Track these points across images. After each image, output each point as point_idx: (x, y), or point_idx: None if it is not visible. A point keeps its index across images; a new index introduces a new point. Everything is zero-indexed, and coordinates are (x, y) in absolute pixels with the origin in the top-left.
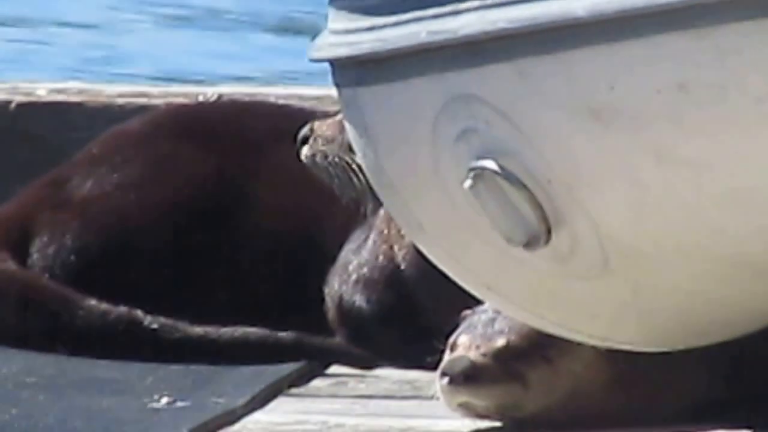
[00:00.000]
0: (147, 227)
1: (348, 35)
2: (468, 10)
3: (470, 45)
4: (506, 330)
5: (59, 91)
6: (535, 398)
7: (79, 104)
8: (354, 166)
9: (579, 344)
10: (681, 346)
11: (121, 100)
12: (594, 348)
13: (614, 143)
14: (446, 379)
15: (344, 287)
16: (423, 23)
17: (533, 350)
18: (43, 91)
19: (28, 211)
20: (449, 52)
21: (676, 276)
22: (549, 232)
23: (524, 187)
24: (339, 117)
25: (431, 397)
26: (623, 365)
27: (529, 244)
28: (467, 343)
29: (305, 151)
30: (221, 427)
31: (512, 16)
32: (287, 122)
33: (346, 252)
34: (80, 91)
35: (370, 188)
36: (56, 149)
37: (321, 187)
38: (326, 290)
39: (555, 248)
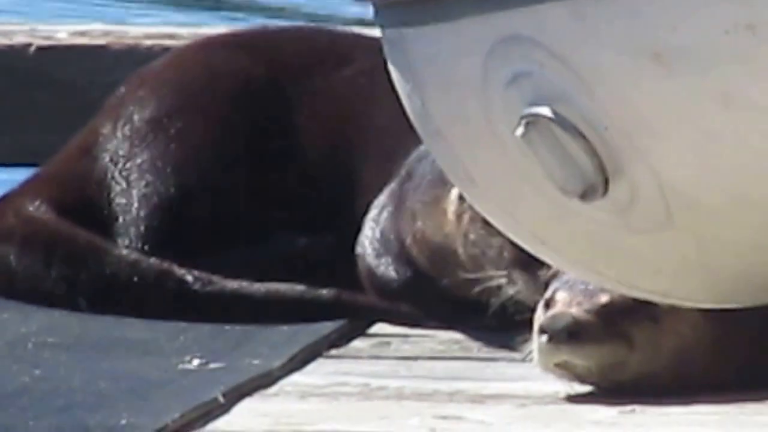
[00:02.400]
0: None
1: None
2: None
3: None
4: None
5: (81, 34)
6: (639, 360)
7: (102, 47)
8: None
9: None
10: (748, 303)
11: (147, 42)
12: (701, 310)
13: (677, 87)
14: (545, 337)
15: (370, 253)
16: None
17: (639, 308)
18: (64, 33)
19: (75, 165)
20: None
21: (742, 229)
22: (606, 182)
23: (580, 134)
24: None
25: (482, 359)
26: (728, 327)
27: (586, 195)
28: (567, 299)
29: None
30: (257, 389)
31: None
32: (329, 45)
33: (371, 216)
34: (104, 33)
35: None
36: (80, 95)
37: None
38: (357, 250)
39: (613, 199)
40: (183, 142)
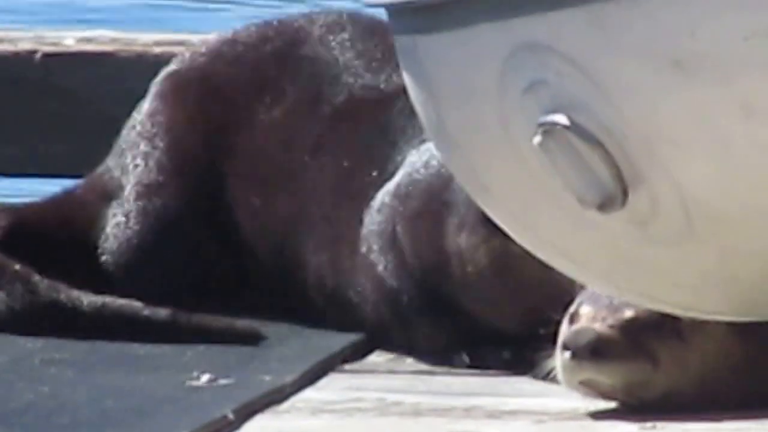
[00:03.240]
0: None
1: None
2: None
3: None
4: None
5: (88, 40)
6: (665, 377)
7: (110, 54)
8: None
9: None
10: None
11: (157, 49)
12: (727, 325)
13: (697, 95)
14: (569, 353)
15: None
16: None
17: (664, 324)
18: (71, 40)
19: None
20: None
21: (764, 240)
22: (626, 192)
23: (598, 143)
24: None
25: (499, 374)
26: (756, 344)
27: (604, 205)
28: (591, 314)
29: None
30: (268, 405)
31: None
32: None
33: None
34: (112, 40)
35: None
36: (86, 103)
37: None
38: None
39: (633, 210)
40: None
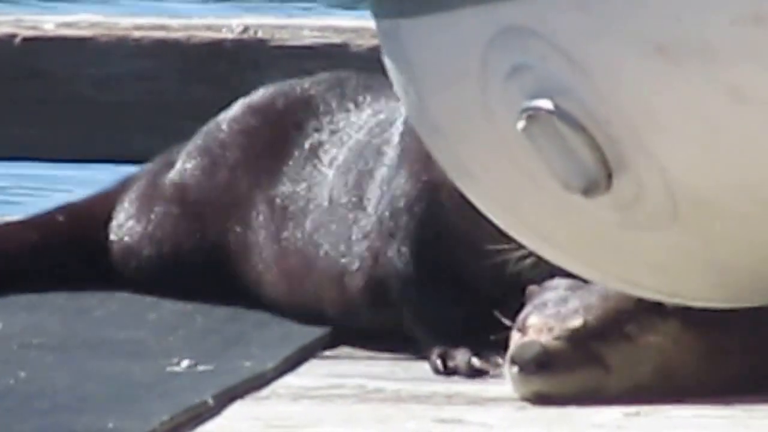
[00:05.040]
0: None
1: None
2: None
3: None
4: (581, 308)
5: (68, 25)
6: (618, 381)
7: (90, 38)
8: None
9: (663, 318)
10: (759, 303)
11: (137, 33)
12: (680, 320)
13: (683, 80)
14: (516, 368)
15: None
16: None
17: (612, 328)
18: (50, 24)
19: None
20: None
21: (750, 226)
22: (610, 177)
23: (583, 128)
24: None
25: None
26: (716, 335)
27: (589, 190)
28: (538, 326)
29: None
30: (249, 392)
31: None
32: None
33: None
34: (92, 24)
35: None
36: (67, 87)
37: None
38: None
39: (617, 195)
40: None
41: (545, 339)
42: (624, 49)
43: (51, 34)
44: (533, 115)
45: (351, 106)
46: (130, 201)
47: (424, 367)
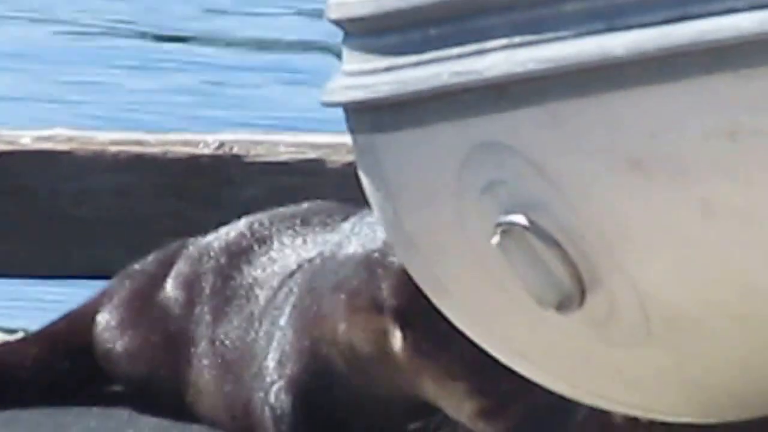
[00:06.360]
0: None
1: (364, 77)
2: (494, 49)
3: (497, 88)
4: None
5: (46, 139)
6: None
7: (68, 153)
8: None
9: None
10: (731, 418)
11: (114, 148)
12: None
13: (656, 196)
14: None
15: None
16: (446, 64)
17: None
18: (27, 138)
19: None
20: (474, 95)
21: (723, 343)
22: (584, 293)
23: (556, 243)
24: None
25: None
26: None
27: (562, 306)
28: None
29: None
30: None
31: (543, 56)
32: None
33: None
34: (69, 139)
35: None
36: (45, 201)
37: None
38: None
39: (590, 311)
40: None
41: None
42: (596, 164)
43: (29, 148)
44: (507, 230)
45: (281, 247)
46: (116, 311)
47: None
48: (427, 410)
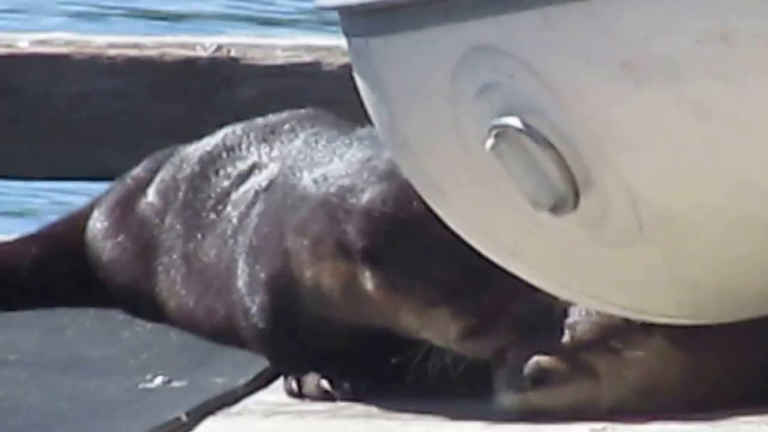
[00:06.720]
0: None
1: None
2: None
3: None
4: (566, 327)
5: (43, 42)
6: (608, 391)
7: (65, 56)
8: None
9: (648, 334)
10: (723, 319)
11: (111, 51)
12: (665, 337)
13: (649, 99)
14: (513, 386)
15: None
16: None
17: (598, 341)
18: (25, 42)
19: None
20: None
21: (715, 243)
22: (577, 195)
23: (550, 146)
24: None
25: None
26: (698, 350)
27: (556, 208)
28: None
29: None
30: (221, 408)
31: None
32: None
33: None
34: (67, 42)
35: None
36: (42, 105)
37: None
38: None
39: (584, 213)
40: None
41: (536, 356)
42: (590, 67)
43: (26, 51)
44: (502, 133)
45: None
46: (101, 219)
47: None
48: (407, 343)
